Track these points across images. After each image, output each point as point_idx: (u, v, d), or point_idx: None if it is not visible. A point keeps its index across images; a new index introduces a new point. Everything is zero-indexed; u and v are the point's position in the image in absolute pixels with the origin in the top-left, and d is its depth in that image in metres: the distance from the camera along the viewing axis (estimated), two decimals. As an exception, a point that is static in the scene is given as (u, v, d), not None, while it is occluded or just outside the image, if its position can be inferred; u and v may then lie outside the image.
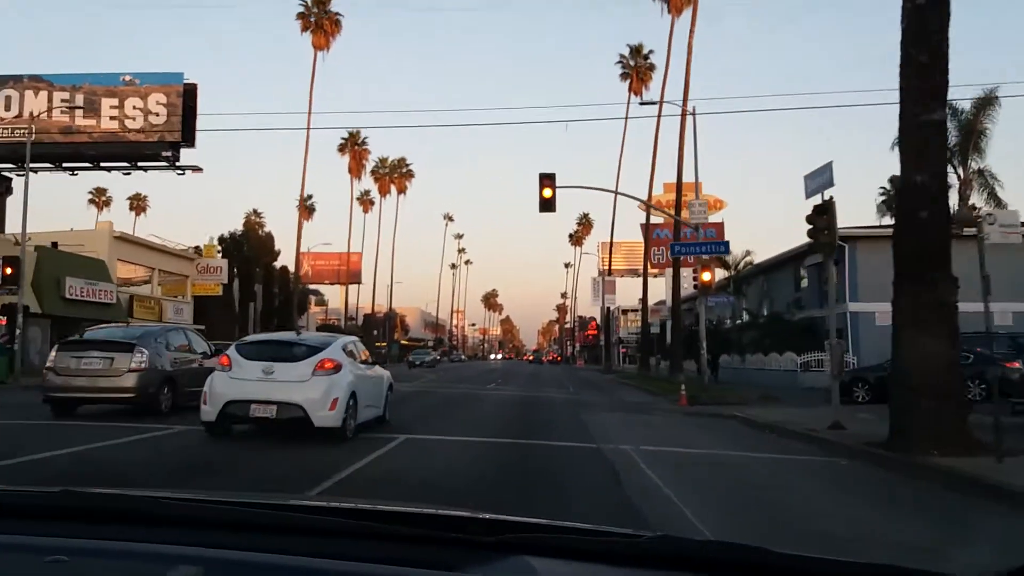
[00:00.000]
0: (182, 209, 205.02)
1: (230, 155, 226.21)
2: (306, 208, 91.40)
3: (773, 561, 1.22)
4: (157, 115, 44.64)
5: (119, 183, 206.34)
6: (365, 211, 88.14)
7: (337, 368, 10.54)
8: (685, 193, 58.68)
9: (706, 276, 23.10)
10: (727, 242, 23.56)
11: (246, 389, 10.14)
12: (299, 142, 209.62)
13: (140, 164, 45.11)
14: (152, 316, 43.21)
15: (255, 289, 58.13)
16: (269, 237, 73.51)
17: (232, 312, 54.32)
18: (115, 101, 44.53)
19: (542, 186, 24.02)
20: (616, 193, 38.15)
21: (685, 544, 1.33)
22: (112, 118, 44.32)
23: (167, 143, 44.27)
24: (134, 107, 44.54)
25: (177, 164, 44.70)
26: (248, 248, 65.45)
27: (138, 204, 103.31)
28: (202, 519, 1.37)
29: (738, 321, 32.47)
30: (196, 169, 46.04)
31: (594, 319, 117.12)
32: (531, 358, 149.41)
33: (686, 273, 62.12)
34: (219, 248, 55.04)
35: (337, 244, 78.29)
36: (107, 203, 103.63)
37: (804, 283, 34.64)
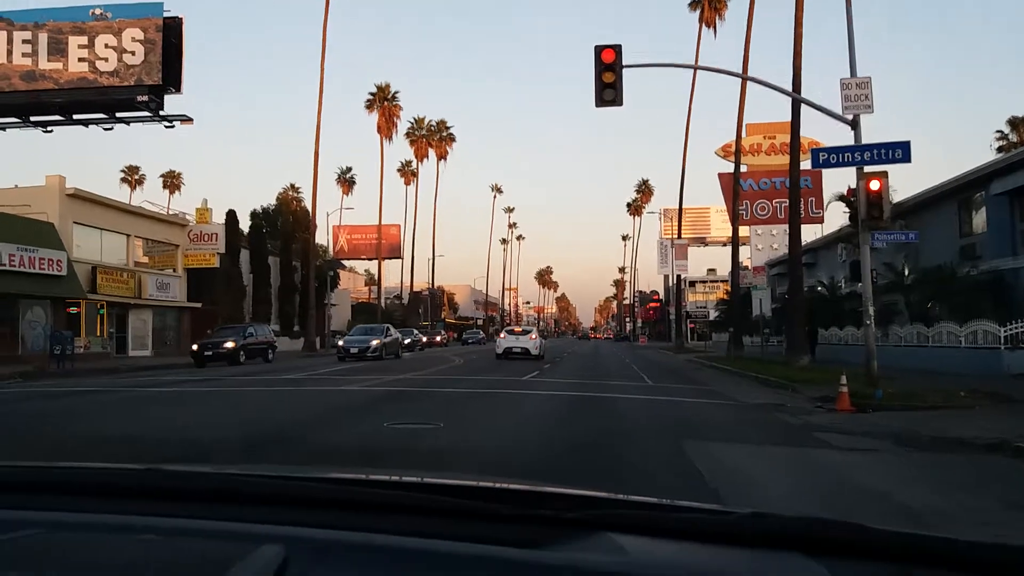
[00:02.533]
0: (216, 186, 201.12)
1: (271, 128, 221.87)
2: (345, 181, 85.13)
3: (872, 537, 1.17)
4: (133, 54, 36.78)
5: (150, 158, 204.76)
6: (407, 182, 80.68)
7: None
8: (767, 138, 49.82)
9: (874, 185, 14.00)
10: (907, 143, 14.38)
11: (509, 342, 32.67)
12: (340, 111, 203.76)
13: (120, 115, 37.21)
14: (126, 292, 35.69)
15: (268, 263, 50.57)
16: (304, 212, 66.15)
17: (238, 288, 46.79)
18: (84, 39, 36.81)
19: (601, 64, 15.14)
20: (700, 70, 28.90)
21: (778, 520, 1.24)
22: (81, 60, 36.61)
23: (145, 87, 36.26)
24: (106, 46, 36.78)
25: (161, 113, 36.79)
26: (283, 223, 58.87)
27: (172, 182, 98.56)
28: (284, 496, 1.37)
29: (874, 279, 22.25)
30: (186, 120, 38.11)
31: (656, 293, 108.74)
32: (580, 335, 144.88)
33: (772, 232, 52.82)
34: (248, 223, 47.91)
35: (385, 217, 70.35)
36: (140, 181, 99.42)
37: (980, 221, 24.92)
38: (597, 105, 15.09)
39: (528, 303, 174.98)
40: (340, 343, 34.92)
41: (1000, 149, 48.10)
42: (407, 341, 43.45)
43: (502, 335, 36.94)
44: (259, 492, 1.39)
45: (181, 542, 1.17)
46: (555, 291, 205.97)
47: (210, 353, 29.67)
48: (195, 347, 30.68)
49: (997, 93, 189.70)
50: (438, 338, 65.94)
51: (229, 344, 30.25)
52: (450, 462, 7.75)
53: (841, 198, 27.39)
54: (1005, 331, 18.83)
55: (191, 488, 1.42)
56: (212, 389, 17.88)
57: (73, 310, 31.79)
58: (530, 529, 1.16)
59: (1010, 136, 50.22)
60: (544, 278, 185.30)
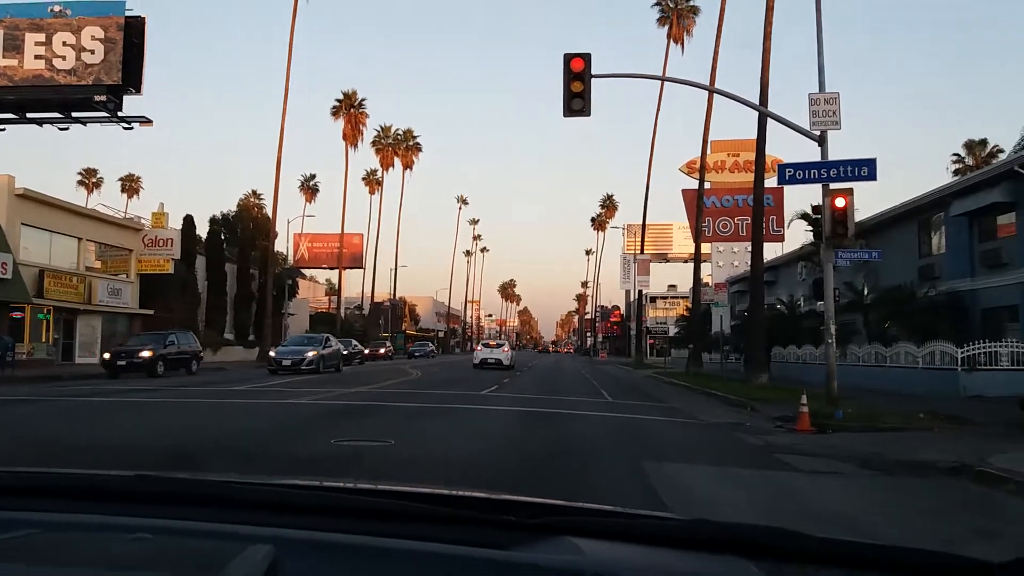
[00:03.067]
0: (176, 192, 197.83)
1: (235, 134, 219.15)
2: (308, 189, 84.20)
3: (807, 545, 1.26)
4: (92, 53, 35.78)
5: (109, 161, 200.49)
6: (371, 192, 79.96)
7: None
8: (732, 150, 50.15)
9: (840, 202, 13.91)
10: (874, 160, 14.34)
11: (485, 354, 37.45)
12: (305, 118, 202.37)
13: (77, 115, 36.11)
14: (75, 297, 34.57)
15: (225, 270, 49.45)
16: (265, 219, 65.08)
17: (193, 295, 45.68)
18: (41, 36, 35.75)
19: (570, 73, 14.93)
20: (668, 81, 28.92)
21: (719, 527, 1.36)
22: (38, 57, 35.53)
23: (103, 87, 35.24)
24: (64, 43, 35.76)
25: (120, 114, 35.80)
26: (243, 230, 57.85)
27: (131, 186, 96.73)
28: (272, 501, 1.43)
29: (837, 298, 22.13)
30: (146, 121, 37.13)
31: (617, 308, 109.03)
32: (540, 348, 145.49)
33: (732, 249, 53.25)
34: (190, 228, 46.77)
35: (348, 226, 69.35)
36: (97, 184, 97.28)
37: (939, 242, 25.12)
38: (565, 115, 14.85)
39: (491, 316, 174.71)
40: (272, 354, 31.40)
41: (957, 172, 49.10)
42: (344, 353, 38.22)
43: (479, 348, 43.35)
44: (247, 497, 1.45)
45: (174, 541, 1.22)
46: (518, 304, 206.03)
47: (123, 363, 26.92)
48: (107, 355, 27.99)
49: (954, 117, 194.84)
50: (381, 350, 58.88)
51: (145, 353, 27.40)
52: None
53: (803, 216, 27.55)
54: (962, 352, 18.90)
55: (182, 492, 1.48)
56: (122, 400, 17.14)
57: (17, 315, 30.62)
58: (497, 533, 1.24)
59: (966, 159, 51.32)
60: (507, 291, 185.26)
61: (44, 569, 1.12)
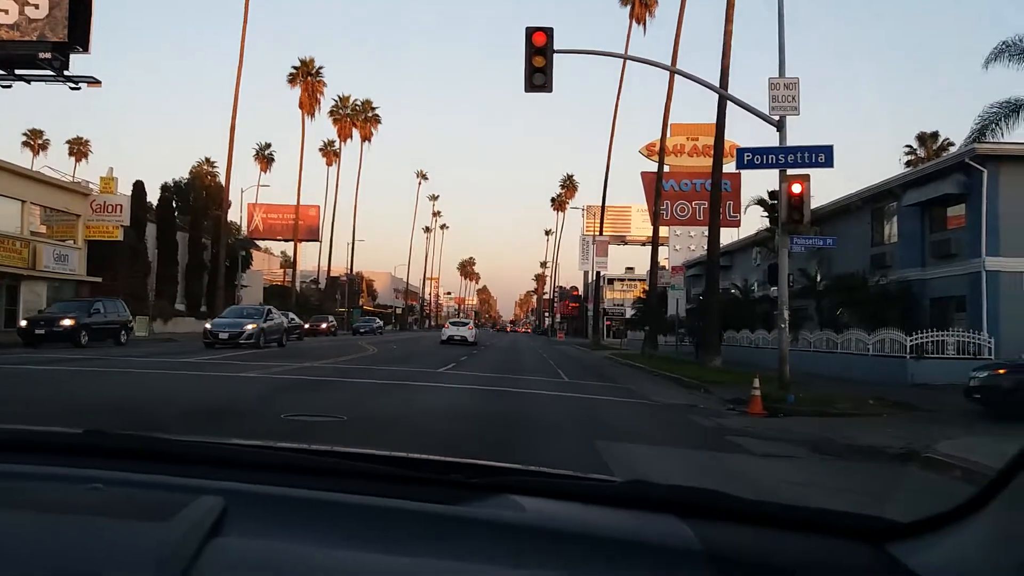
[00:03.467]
0: (127, 157, 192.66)
1: (188, 98, 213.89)
2: (264, 158, 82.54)
3: (730, 504, 1.36)
4: (36, 7, 34.14)
5: (56, 123, 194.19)
6: (329, 163, 78.66)
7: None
8: (692, 135, 50.38)
9: (797, 188, 13.99)
10: (831, 147, 14.41)
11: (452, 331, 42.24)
12: (262, 87, 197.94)
13: (20, 73, 34.58)
14: (19, 262, 33.44)
15: (176, 239, 48.30)
16: (218, 187, 63.66)
17: (143, 264, 44.58)
18: (-18, -11, 34.14)
19: (532, 48, 14.70)
20: (629, 60, 28.84)
21: (652, 488, 1.43)
22: (-23, 11, 33.96)
23: (48, 43, 33.75)
24: (6, -4, 34.23)
25: (66, 73, 34.38)
26: (195, 198, 56.54)
27: (79, 149, 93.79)
28: (223, 458, 1.45)
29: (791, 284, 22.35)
30: (94, 82, 35.54)
31: (576, 289, 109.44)
32: (499, 328, 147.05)
33: (691, 233, 53.51)
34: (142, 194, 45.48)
35: (304, 198, 68.29)
36: (44, 147, 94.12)
37: (891, 231, 25.51)
38: (527, 90, 14.65)
39: (449, 293, 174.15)
40: (207, 326, 29.19)
41: (909, 163, 50.04)
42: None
43: (447, 325, 48.49)
44: (199, 454, 1.50)
45: (127, 491, 1.25)
46: (477, 283, 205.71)
47: (42, 331, 25.33)
48: (23, 323, 26.36)
49: (906, 110, 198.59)
50: (323, 325, 53.34)
51: (67, 321, 25.74)
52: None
53: (760, 202, 27.79)
54: (911, 340, 19.28)
55: (134, 448, 1.50)
56: (32, 368, 16.57)
57: (-45, 279, 29.54)
58: (443, 491, 1.29)
59: (919, 151, 52.33)
60: (466, 269, 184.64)
61: (2, 513, 1.15)
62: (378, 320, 70.11)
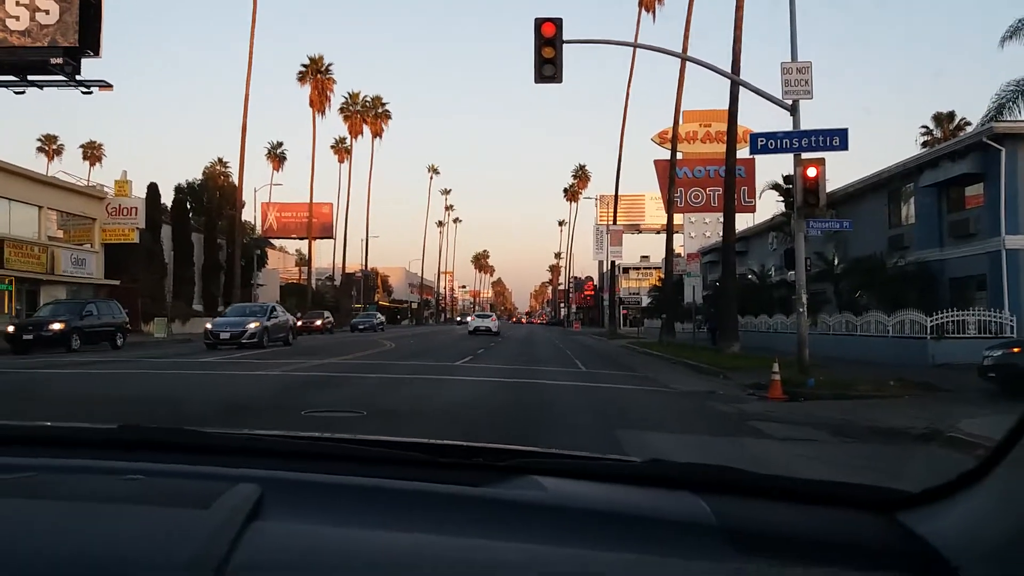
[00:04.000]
0: (140, 159, 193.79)
1: (200, 100, 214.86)
2: (276, 157, 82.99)
3: (745, 479, 1.43)
4: (47, 13, 34.47)
5: (70, 127, 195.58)
6: (340, 160, 78.95)
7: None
8: (705, 122, 50.05)
9: (812, 172, 13.88)
10: (845, 130, 14.30)
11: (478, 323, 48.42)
12: (272, 86, 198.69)
13: (32, 78, 34.90)
14: (37, 267, 33.80)
15: (191, 239, 48.60)
16: (232, 188, 64.01)
17: (160, 266, 44.92)
18: (-7, -4, 34.43)
19: (541, 38, 14.64)
20: (639, 48, 28.69)
21: (671, 466, 1.47)
22: (-10, 17, 34.25)
23: (60, 49, 34.01)
24: (17, 3, 34.39)
25: (78, 78, 34.63)
26: (209, 199, 56.86)
27: (93, 153, 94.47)
28: (255, 448, 1.50)
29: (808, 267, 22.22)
30: (105, 86, 35.90)
31: (591, 279, 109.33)
32: (515, 319, 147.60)
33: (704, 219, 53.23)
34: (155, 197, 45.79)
35: (317, 195, 68.60)
36: (58, 152, 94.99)
37: (909, 213, 25.29)
38: (536, 81, 14.61)
39: (464, 287, 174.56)
40: (208, 326, 27.86)
41: (925, 144, 49.57)
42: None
43: (473, 318, 55.90)
44: (233, 444, 1.53)
45: (165, 481, 1.29)
46: (491, 275, 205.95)
47: (31, 336, 24.21)
48: (10, 328, 25.15)
49: (921, 91, 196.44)
50: (318, 322, 49.69)
51: (56, 325, 24.68)
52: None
53: (775, 187, 27.64)
54: (931, 321, 19.12)
55: (169, 441, 1.54)
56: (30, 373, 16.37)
57: (-23, 285, 29.88)
58: (469, 474, 1.35)
59: (935, 131, 51.81)
60: (480, 262, 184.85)
61: (45, 503, 1.18)
62: (379, 315, 64.73)
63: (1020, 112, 20.18)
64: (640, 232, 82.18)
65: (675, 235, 42.50)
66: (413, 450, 1.53)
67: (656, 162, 45.98)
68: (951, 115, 51.88)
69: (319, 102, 63.00)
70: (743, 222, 43.29)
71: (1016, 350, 13.00)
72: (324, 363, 19.57)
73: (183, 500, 1.17)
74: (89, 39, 33.25)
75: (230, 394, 12.91)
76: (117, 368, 17.83)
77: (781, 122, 15.15)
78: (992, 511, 1.07)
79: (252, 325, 27.06)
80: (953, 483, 1.19)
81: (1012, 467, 1.09)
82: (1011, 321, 18.86)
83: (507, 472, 1.37)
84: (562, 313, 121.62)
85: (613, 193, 58.19)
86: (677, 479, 1.38)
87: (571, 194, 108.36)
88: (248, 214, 66.97)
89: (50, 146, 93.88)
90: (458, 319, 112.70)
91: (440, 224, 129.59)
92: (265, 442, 1.55)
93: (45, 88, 34.31)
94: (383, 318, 63.24)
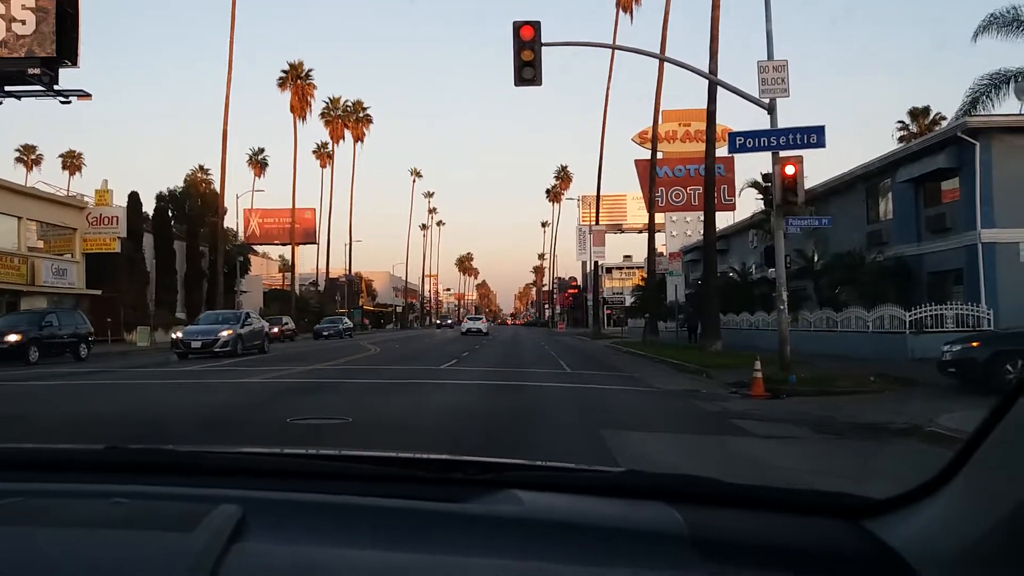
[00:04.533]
0: (120, 168, 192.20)
1: (179, 107, 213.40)
2: (257, 163, 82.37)
3: (722, 489, 1.45)
4: (23, 23, 34.24)
5: (48, 137, 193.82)
6: (323, 165, 78.51)
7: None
8: (686, 122, 50.40)
9: (790, 169, 14.04)
10: (822, 127, 14.49)
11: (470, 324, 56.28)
12: (253, 92, 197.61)
13: (10, 89, 34.57)
14: (17, 278, 33.50)
15: (173, 247, 48.30)
16: (214, 195, 63.60)
17: (142, 274, 44.61)
18: (-32, 6, 34.11)
19: (520, 41, 14.72)
20: (618, 49, 28.79)
21: (647, 476, 1.55)
22: (-35, 28, 33.93)
23: (37, 59, 33.77)
24: (-7, 13, 34.15)
25: (56, 88, 34.36)
26: (191, 206, 56.43)
27: (72, 163, 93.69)
28: (239, 467, 1.55)
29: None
30: (84, 95, 35.70)
31: (574, 279, 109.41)
32: (500, 321, 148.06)
33: (685, 220, 53.52)
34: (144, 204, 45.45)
35: (299, 201, 68.30)
36: (37, 162, 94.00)
37: (887, 208, 25.58)
38: (516, 84, 14.69)
39: (449, 290, 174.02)
40: (178, 335, 26.55)
41: (902, 139, 50.08)
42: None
43: (465, 320, 65.56)
44: (214, 464, 1.57)
45: (148, 504, 1.32)
46: (476, 278, 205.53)
47: None
48: None
49: (897, 86, 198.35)
50: (275, 329, 41.70)
51: (12, 337, 23.44)
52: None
53: (754, 184, 27.82)
54: (910, 316, 19.35)
55: (152, 462, 1.59)
56: None
57: (-44, 298, 29.52)
58: (448, 489, 1.37)
59: (911, 126, 52.35)
60: (465, 264, 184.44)
61: (31, 529, 1.20)
62: (346, 320, 58.44)
63: (994, 106, 20.47)
64: (623, 232, 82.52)
65: (657, 234, 42.72)
66: (394, 465, 1.57)
67: (637, 162, 46.23)
68: (926, 110, 52.47)
69: (300, 108, 62.78)
70: (724, 220, 43.54)
71: (975, 344, 13.08)
72: (308, 370, 19.45)
73: (167, 523, 1.19)
74: (66, 49, 33.01)
75: (192, 406, 12.38)
76: (69, 380, 17.29)
77: (760, 119, 15.29)
78: (955, 517, 1.09)
79: (225, 333, 25.99)
80: (918, 489, 1.22)
81: (974, 472, 1.11)
82: (988, 315, 19.11)
83: (485, 486, 1.39)
84: (546, 314, 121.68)
85: (595, 193, 58.43)
86: (651, 489, 1.42)
87: (553, 195, 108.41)
88: (230, 221, 66.57)
89: (29, 156, 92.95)
90: (437, 322, 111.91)
91: (424, 227, 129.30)
92: (245, 461, 1.59)
93: (23, 99, 34.06)
94: (350, 323, 57.57)
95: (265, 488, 1.37)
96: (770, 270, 22.64)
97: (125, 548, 1.11)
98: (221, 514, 1.16)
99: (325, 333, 50.67)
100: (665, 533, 1.22)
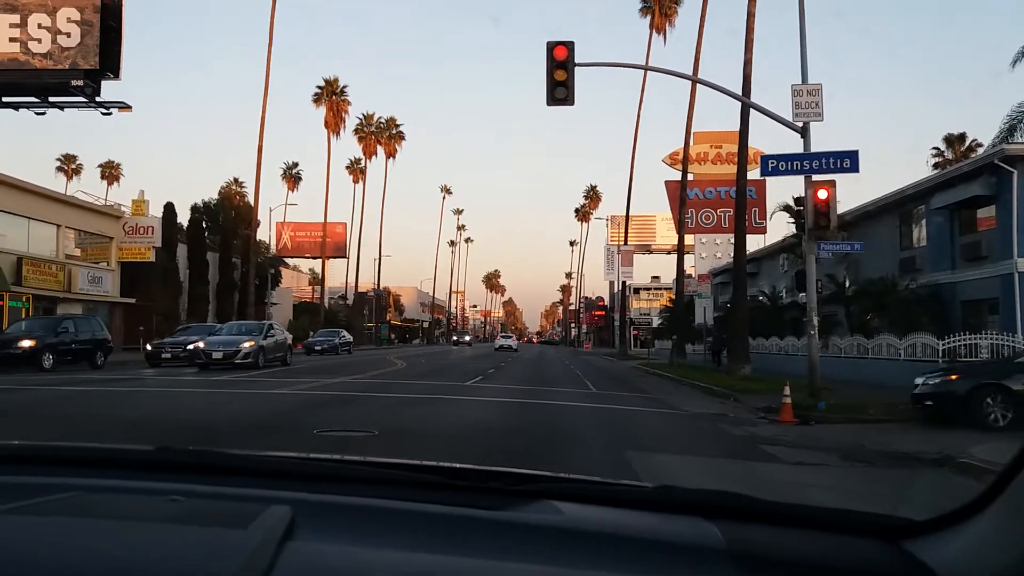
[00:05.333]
0: (157, 179, 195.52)
1: (216, 120, 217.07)
2: (291, 177, 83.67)
3: (755, 505, 1.45)
4: (68, 36, 35.07)
5: (88, 147, 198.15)
6: (355, 180, 79.40)
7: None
8: (715, 143, 50.19)
9: (823, 194, 13.94)
10: (856, 152, 14.38)
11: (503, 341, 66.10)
12: (288, 106, 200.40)
13: (54, 100, 35.44)
14: (55, 285, 34.17)
15: (207, 258, 49.00)
16: (247, 207, 64.53)
17: (175, 284, 45.28)
18: (16, 18, 34.97)
19: (553, 61, 14.83)
20: (650, 71, 28.86)
21: (681, 491, 1.52)
22: (12, 40, 34.74)
23: (80, 71, 34.57)
24: (39, 26, 34.99)
25: (98, 99, 35.15)
26: (224, 218, 57.31)
27: (111, 173, 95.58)
28: (287, 470, 1.59)
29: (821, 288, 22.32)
30: (124, 107, 36.37)
31: (601, 299, 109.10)
32: (526, 339, 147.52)
33: (716, 240, 53.22)
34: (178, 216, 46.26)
35: (331, 215, 69.02)
36: (77, 171, 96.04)
37: (920, 235, 25.28)
38: (549, 103, 14.78)
39: (475, 306, 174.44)
40: (200, 345, 25.30)
41: (936, 166, 49.47)
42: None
43: (499, 338, 76.29)
44: (264, 466, 1.64)
45: (203, 503, 1.36)
46: (502, 295, 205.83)
47: None
48: None
49: (933, 112, 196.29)
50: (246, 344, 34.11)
51: (26, 343, 22.97)
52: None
53: (785, 208, 27.67)
54: (943, 344, 19.02)
55: (206, 463, 1.63)
56: None
57: (-5, 303, 30.16)
58: (487, 498, 1.40)
59: (946, 153, 51.74)
60: (492, 281, 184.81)
61: (92, 522, 1.24)
62: (344, 333, 51.50)
63: (1031, 134, 20.20)
64: (651, 252, 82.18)
65: (686, 256, 42.53)
66: (433, 473, 1.62)
67: (667, 183, 46.17)
68: (962, 136, 51.79)
69: (334, 123, 63.60)
70: (754, 243, 43.29)
71: (954, 377, 12.55)
72: (335, 382, 19.53)
73: (222, 521, 1.24)
74: (109, 62, 33.77)
75: (202, 421, 11.86)
76: (71, 387, 17.01)
77: (792, 141, 15.24)
78: (994, 540, 1.10)
79: (247, 344, 25.28)
80: (957, 512, 1.22)
81: (1014, 496, 1.12)
82: (1024, 345, 18.78)
83: (524, 496, 1.41)
84: (573, 333, 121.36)
85: (624, 213, 58.34)
86: (688, 504, 1.43)
87: (582, 214, 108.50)
88: (263, 233, 67.54)
89: (69, 166, 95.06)
90: (454, 339, 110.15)
91: (452, 243, 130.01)
92: (293, 464, 1.63)
93: (66, 109, 34.90)
94: (349, 337, 51.75)
95: (313, 491, 1.40)
96: (800, 295, 22.50)
97: (183, 544, 1.15)
98: (273, 514, 1.20)
99: (318, 348, 45.13)
100: (704, 547, 1.23)
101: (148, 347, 26.48)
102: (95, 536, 1.17)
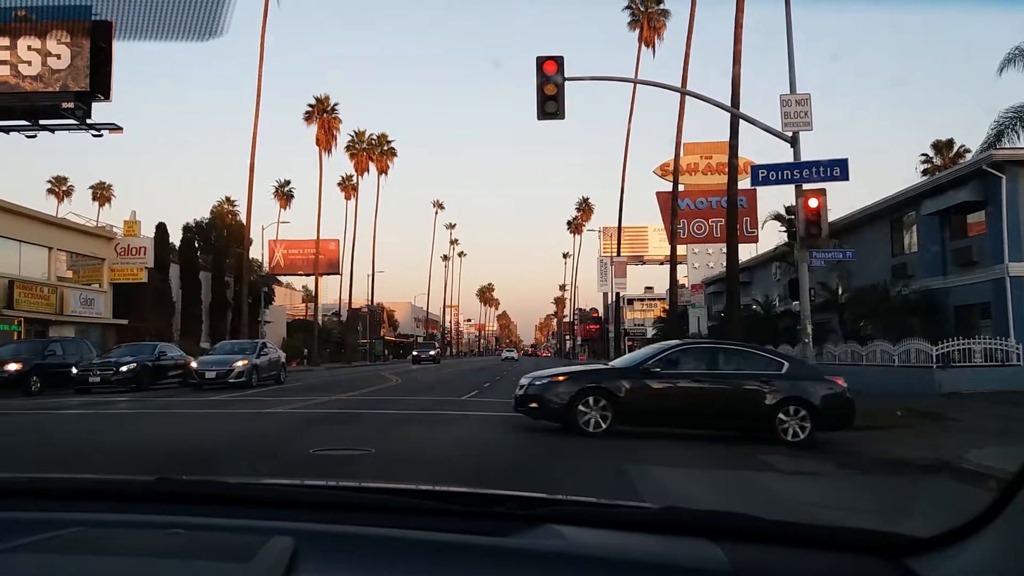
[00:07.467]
0: (148, 199, 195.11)
1: (208, 140, 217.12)
2: (283, 195, 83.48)
3: (759, 525, 1.45)
4: (59, 58, 34.85)
5: (79, 169, 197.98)
6: (347, 197, 79.30)
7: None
8: (708, 154, 50.59)
9: (813, 202, 14.00)
10: (846, 160, 14.48)
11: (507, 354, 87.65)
12: (279, 124, 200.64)
13: (44, 123, 35.31)
14: (46, 308, 34.01)
15: (199, 278, 48.91)
16: (240, 226, 64.47)
17: (168, 304, 45.14)
18: (5, 41, 34.71)
19: (543, 76, 14.89)
20: (640, 84, 28.96)
21: (685, 513, 1.54)
22: (3, 63, 34.66)
23: (71, 93, 34.41)
24: (29, 48, 34.72)
25: (89, 122, 35.03)
26: (217, 237, 57.27)
27: (102, 194, 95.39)
28: (289, 499, 1.58)
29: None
30: (115, 129, 36.13)
31: (595, 310, 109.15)
32: (522, 352, 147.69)
33: (709, 250, 53.18)
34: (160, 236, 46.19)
35: (324, 232, 68.94)
36: (68, 193, 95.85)
37: (911, 241, 25.42)
38: (539, 118, 14.82)
39: (469, 320, 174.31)
40: (193, 365, 25.49)
41: (925, 172, 49.77)
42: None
43: (504, 351, 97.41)
44: (265, 496, 1.62)
45: (204, 535, 1.36)
46: (496, 308, 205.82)
47: None
48: None
49: (921, 118, 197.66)
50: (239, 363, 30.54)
51: (12, 366, 22.47)
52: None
53: (777, 217, 27.78)
54: (937, 350, 19.10)
55: (206, 493, 1.64)
56: None
57: (-15, 326, 29.98)
58: (490, 523, 1.41)
59: (935, 159, 52.05)
60: (486, 295, 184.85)
61: (97, 559, 1.25)
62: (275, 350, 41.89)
63: (1019, 139, 20.39)
64: (644, 263, 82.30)
65: (679, 266, 42.65)
66: (433, 499, 1.62)
67: (658, 194, 46.28)
68: (950, 143, 52.15)
69: (326, 141, 63.63)
70: (746, 252, 43.43)
71: (561, 378, 12.40)
72: (329, 400, 19.40)
73: (225, 554, 1.24)
74: (100, 83, 33.61)
75: (194, 443, 11.68)
76: (69, 411, 16.80)
77: (782, 150, 15.33)
78: (999, 557, 1.10)
79: (240, 363, 25.18)
80: (960, 529, 1.22)
81: (1017, 512, 1.12)
82: (1017, 349, 18.84)
83: (527, 521, 1.42)
84: (567, 345, 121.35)
85: (616, 225, 58.51)
86: (692, 526, 1.44)
87: (575, 227, 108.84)
88: (256, 252, 67.36)
89: (60, 187, 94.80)
90: (413, 353, 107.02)
91: (445, 258, 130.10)
92: (294, 493, 1.64)
93: (56, 132, 34.82)
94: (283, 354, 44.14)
95: (314, 520, 1.40)
96: (794, 303, 22.52)
97: None
98: (276, 546, 1.21)
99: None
100: (709, 570, 1.23)
101: (74, 369, 23.73)
102: (100, 574, 1.18)
